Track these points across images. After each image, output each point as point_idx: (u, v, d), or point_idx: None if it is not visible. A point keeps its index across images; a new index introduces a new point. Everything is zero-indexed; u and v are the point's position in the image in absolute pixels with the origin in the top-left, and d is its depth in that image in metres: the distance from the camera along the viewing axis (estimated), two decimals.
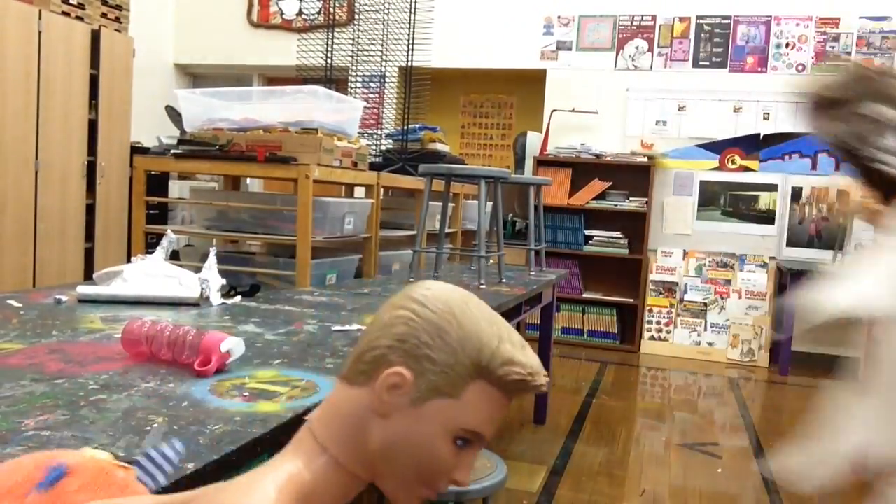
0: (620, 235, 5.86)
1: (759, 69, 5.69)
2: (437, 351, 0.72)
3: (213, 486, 0.70)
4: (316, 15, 6.55)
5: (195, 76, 7.18)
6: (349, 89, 5.14)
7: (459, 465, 0.75)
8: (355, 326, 1.90)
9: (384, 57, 4.80)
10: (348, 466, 0.74)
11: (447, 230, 3.60)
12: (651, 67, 5.90)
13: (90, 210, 4.89)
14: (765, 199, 5.68)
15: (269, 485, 0.69)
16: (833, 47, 5.57)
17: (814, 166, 5.59)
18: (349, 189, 3.97)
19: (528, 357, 0.75)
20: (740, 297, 5.63)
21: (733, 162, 5.72)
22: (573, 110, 5.94)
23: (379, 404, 0.73)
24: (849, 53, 5.54)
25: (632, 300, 5.84)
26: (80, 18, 4.96)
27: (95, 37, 4.83)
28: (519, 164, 6.26)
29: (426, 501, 0.78)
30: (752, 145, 5.69)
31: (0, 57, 4.17)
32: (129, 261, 2.19)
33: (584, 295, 5.95)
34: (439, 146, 4.08)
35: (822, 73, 0.98)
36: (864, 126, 0.89)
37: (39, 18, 4.42)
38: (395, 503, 0.77)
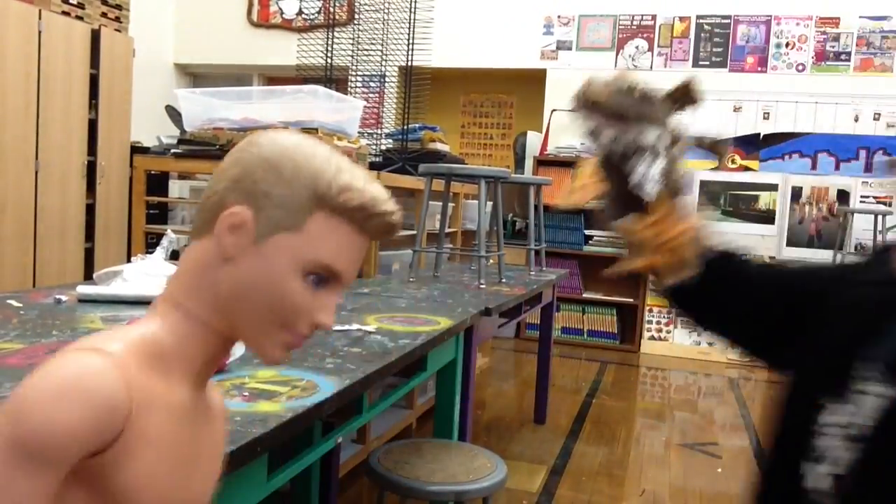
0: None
1: (759, 69, 5.69)
2: (273, 186, 0.70)
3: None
4: (316, 15, 6.55)
5: (195, 76, 7.18)
6: (349, 89, 5.14)
7: (318, 306, 0.73)
8: (355, 326, 1.90)
9: (384, 57, 4.80)
10: (204, 317, 0.72)
11: (447, 230, 3.59)
12: (651, 67, 5.90)
13: (90, 210, 4.88)
14: (765, 199, 5.68)
15: (118, 338, 0.67)
16: (833, 47, 5.57)
17: (814, 166, 5.59)
18: None
19: (370, 186, 0.73)
20: None
21: (733, 162, 5.72)
22: (573, 110, 5.94)
23: (222, 248, 0.71)
24: (848, 54, 5.54)
25: (632, 300, 5.84)
26: (80, 18, 4.96)
27: (95, 37, 4.83)
28: (519, 164, 6.26)
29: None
30: (752, 145, 5.69)
31: (0, 57, 4.17)
32: (129, 261, 2.19)
33: (584, 295, 5.95)
34: (439, 146, 4.08)
35: (606, 81, 1.01)
36: (632, 146, 0.94)
37: (39, 18, 4.42)
38: (258, 351, 0.74)
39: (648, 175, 0.98)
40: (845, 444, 0.87)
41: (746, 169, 5.70)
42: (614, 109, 0.98)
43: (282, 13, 6.69)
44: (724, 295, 1.02)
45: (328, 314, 0.74)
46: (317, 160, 0.72)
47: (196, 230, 0.75)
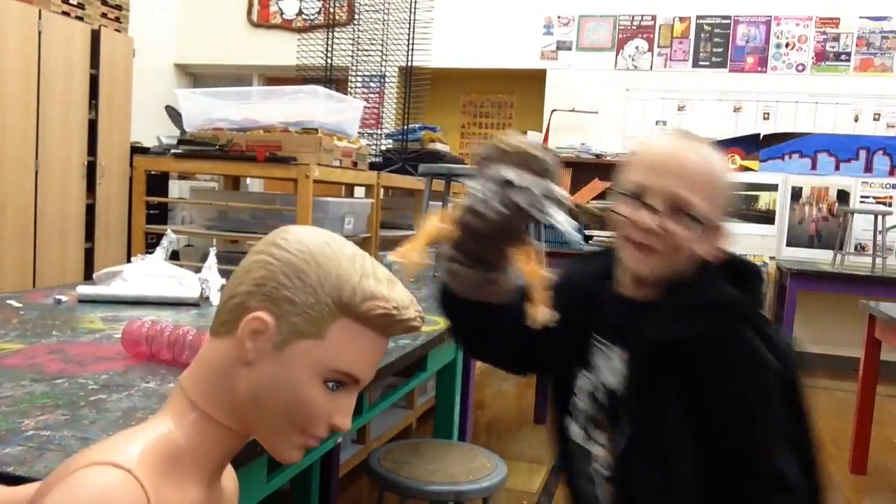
0: None
1: (759, 69, 5.69)
2: (296, 292, 0.70)
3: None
4: (316, 15, 6.55)
5: (195, 76, 7.18)
6: (349, 89, 5.15)
7: (336, 409, 0.73)
8: None
9: (384, 57, 4.81)
10: (219, 419, 0.72)
11: None
12: (651, 67, 5.90)
13: (90, 210, 4.88)
14: (765, 199, 5.68)
15: (134, 444, 0.67)
16: (833, 47, 5.57)
17: (814, 166, 5.59)
18: (349, 189, 3.97)
19: (394, 292, 0.73)
20: None
21: (733, 162, 5.72)
22: (573, 110, 5.94)
23: (243, 352, 0.71)
24: (848, 54, 5.54)
25: None
26: (80, 18, 4.96)
27: (95, 37, 4.83)
28: None
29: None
30: (752, 145, 5.69)
31: (0, 57, 4.18)
32: (129, 261, 2.19)
33: None
34: (439, 146, 4.08)
35: (519, 140, 1.07)
36: (540, 198, 1.05)
37: (39, 18, 4.42)
38: (273, 452, 0.74)
39: (569, 223, 1.05)
40: (592, 402, 1.13)
41: (746, 169, 5.70)
42: (546, 165, 1.03)
43: (282, 13, 6.69)
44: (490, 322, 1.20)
45: (346, 417, 0.74)
46: (342, 266, 0.71)
47: (215, 329, 0.74)
